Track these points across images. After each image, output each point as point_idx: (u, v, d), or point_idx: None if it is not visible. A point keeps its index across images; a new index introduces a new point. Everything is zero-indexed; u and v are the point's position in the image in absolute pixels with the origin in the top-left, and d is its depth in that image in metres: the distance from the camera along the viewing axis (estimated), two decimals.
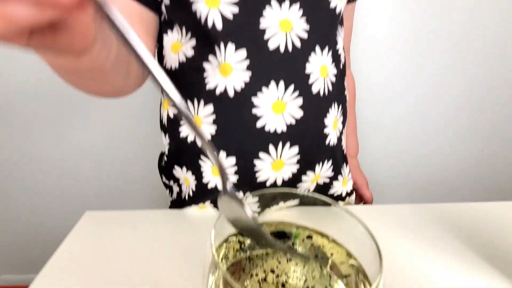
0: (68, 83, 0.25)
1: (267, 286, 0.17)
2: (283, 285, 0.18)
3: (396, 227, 0.33)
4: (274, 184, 0.34)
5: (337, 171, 0.38)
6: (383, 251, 0.25)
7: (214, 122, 0.32)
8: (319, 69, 0.32)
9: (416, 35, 0.68)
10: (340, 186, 0.40)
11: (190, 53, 0.32)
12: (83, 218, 0.36)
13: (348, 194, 0.42)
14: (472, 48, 0.70)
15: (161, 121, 0.37)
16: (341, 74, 0.36)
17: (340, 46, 0.35)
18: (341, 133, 0.38)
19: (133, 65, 0.29)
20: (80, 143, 0.73)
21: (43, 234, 0.84)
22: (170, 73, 0.34)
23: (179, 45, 0.32)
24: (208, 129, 0.32)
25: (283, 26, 0.30)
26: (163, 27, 0.33)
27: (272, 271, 0.18)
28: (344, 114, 0.38)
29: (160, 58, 0.35)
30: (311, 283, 0.18)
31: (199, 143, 0.20)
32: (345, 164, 0.40)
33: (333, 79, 0.34)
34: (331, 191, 0.39)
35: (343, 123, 0.38)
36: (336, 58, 0.34)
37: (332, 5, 0.32)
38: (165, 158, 0.38)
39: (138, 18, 0.31)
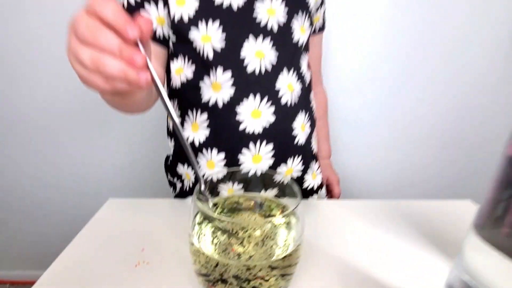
0: (109, 106, 0.35)
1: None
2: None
3: (352, 218, 0.42)
4: (254, 175, 0.43)
5: (306, 166, 0.48)
6: (341, 235, 0.34)
7: (208, 126, 0.42)
8: (286, 86, 0.42)
9: (403, 39, 0.77)
10: (311, 180, 0.49)
11: (190, 75, 0.42)
12: (105, 205, 0.45)
13: (319, 187, 0.51)
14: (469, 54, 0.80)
15: (167, 128, 0.48)
16: (306, 89, 0.46)
17: (304, 69, 0.46)
18: (309, 135, 0.47)
19: (153, 96, 0.40)
20: (103, 147, 0.84)
21: (62, 226, 0.92)
22: (175, 91, 0.45)
23: (181, 70, 0.43)
24: (204, 132, 0.42)
25: (257, 55, 0.41)
26: (170, 57, 0.44)
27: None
28: (311, 120, 0.48)
29: (168, 80, 0.46)
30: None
31: (188, 151, 0.29)
32: (314, 161, 0.50)
33: (299, 93, 0.44)
34: (305, 185, 0.49)
35: (311, 127, 0.48)
36: (300, 78, 0.45)
37: (295, 40, 0.44)
38: (170, 158, 0.48)
39: (155, 54, 0.42)
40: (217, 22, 0.40)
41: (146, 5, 0.40)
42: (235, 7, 0.40)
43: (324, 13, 0.54)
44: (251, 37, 0.40)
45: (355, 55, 0.76)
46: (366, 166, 0.86)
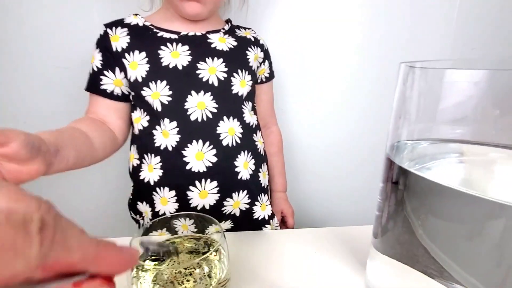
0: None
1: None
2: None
3: (295, 246, 0.43)
4: (203, 208, 0.49)
5: (253, 199, 0.53)
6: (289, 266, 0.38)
7: (161, 167, 0.49)
8: (227, 130, 0.50)
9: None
10: (260, 211, 0.54)
11: (145, 124, 0.50)
12: None
13: (270, 217, 0.56)
14: None
15: (128, 169, 0.54)
16: (248, 131, 0.53)
17: (246, 114, 0.53)
18: (254, 171, 0.53)
19: (108, 147, 0.47)
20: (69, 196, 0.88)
21: None
22: (135, 136, 0.52)
23: (139, 119, 0.51)
24: (157, 172, 0.49)
25: (199, 105, 0.48)
26: (131, 109, 0.52)
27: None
28: (256, 157, 0.54)
29: (131, 127, 0.53)
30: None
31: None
32: (262, 194, 0.55)
33: (240, 135, 0.51)
34: (255, 216, 0.54)
35: (256, 164, 0.54)
36: (242, 122, 0.52)
37: (234, 91, 0.52)
38: (131, 197, 0.54)
39: (114, 109, 0.51)
40: (164, 82, 0.48)
41: (105, 72, 0.50)
42: (180, 67, 0.49)
43: (270, 64, 0.62)
44: (193, 92, 0.48)
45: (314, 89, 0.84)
46: (326, 194, 0.90)
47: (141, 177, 0.50)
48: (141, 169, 0.51)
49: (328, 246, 0.44)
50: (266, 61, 0.60)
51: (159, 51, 0.48)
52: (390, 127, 0.29)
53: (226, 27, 0.56)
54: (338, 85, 0.80)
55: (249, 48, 0.55)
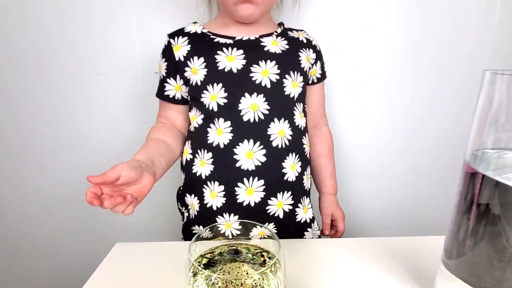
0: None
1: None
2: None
3: (342, 256, 0.42)
4: (248, 205, 0.51)
5: (297, 201, 0.54)
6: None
7: (212, 163, 0.52)
8: (278, 131, 0.51)
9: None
10: (303, 213, 0.55)
11: (200, 122, 0.53)
12: (113, 249, 0.45)
13: (312, 220, 0.57)
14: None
15: (181, 163, 0.58)
16: (298, 134, 0.54)
17: (296, 116, 0.54)
18: (300, 174, 0.55)
19: (180, 145, 0.57)
20: None
21: (71, 271, 0.90)
22: (191, 133, 0.56)
23: (195, 118, 0.55)
24: (209, 167, 0.52)
25: (252, 107, 0.51)
26: (189, 109, 0.56)
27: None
28: (303, 160, 0.55)
29: (189, 124, 0.57)
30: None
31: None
32: (305, 197, 0.56)
33: (289, 137, 0.53)
34: (298, 218, 0.55)
35: (302, 167, 0.55)
36: (292, 124, 0.53)
37: (286, 93, 0.53)
38: (181, 189, 0.58)
39: (179, 112, 0.58)
40: (220, 84, 0.51)
41: (168, 80, 0.56)
42: (235, 70, 0.51)
43: (322, 65, 0.63)
44: (247, 94, 0.51)
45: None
46: (376, 201, 0.88)
47: (194, 171, 0.54)
48: (194, 164, 0.54)
49: (376, 257, 0.42)
50: (318, 61, 0.61)
51: (215, 56, 0.52)
52: (471, 135, 0.27)
53: (279, 30, 0.58)
54: (392, 85, 0.78)
55: (301, 50, 0.57)
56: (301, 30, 0.61)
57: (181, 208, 0.60)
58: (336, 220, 0.63)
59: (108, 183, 0.37)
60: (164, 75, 0.56)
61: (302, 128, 0.56)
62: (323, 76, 0.63)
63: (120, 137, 0.81)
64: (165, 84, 0.56)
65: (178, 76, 0.55)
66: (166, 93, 0.56)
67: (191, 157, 0.55)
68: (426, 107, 0.81)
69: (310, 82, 0.61)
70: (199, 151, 0.54)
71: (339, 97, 0.78)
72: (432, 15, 0.73)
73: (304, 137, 0.57)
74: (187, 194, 0.56)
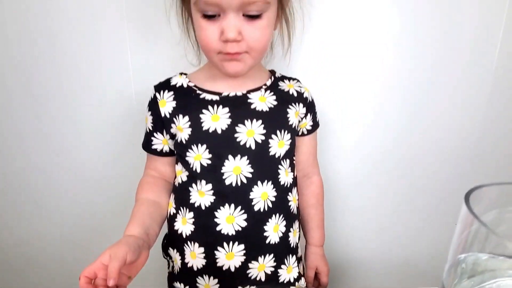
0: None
1: None
2: None
3: None
4: (228, 269, 0.50)
5: (280, 262, 0.53)
6: None
7: (193, 223, 0.51)
8: (260, 195, 0.50)
9: None
10: (286, 274, 0.54)
11: (185, 179, 0.53)
12: None
13: (296, 280, 0.56)
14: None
15: (167, 215, 0.58)
16: (283, 192, 0.53)
17: (282, 175, 0.53)
18: (285, 232, 0.53)
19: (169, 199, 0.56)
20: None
21: None
22: (175, 187, 0.56)
23: (180, 172, 0.54)
24: (190, 227, 0.51)
25: (235, 170, 0.49)
26: (176, 161, 0.56)
27: None
28: (288, 218, 0.54)
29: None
30: None
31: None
32: (290, 255, 0.55)
33: (273, 199, 0.51)
34: (281, 279, 0.54)
35: (287, 225, 0.54)
36: (276, 184, 0.52)
37: (271, 153, 0.52)
38: (165, 241, 0.58)
39: (168, 163, 0.56)
40: (204, 145, 0.50)
41: (155, 134, 0.55)
42: (219, 131, 0.50)
43: (314, 115, 0.60)
44: (230, 156, 0.50)
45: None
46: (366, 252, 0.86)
47: (176, 227, 0.53)
48: (176, 220, 0.54)
49: None
50: (309, 114, 0.59)
51: (200, 115, 0.50)
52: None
53: (269, 82, 0.56)
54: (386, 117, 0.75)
55: (290, 106, 0.55)
56: (293, 80, 0.59)
57: (165, 257, 0.60)
58: (320, 274, 0.62)
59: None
60: (151, 128, 0.55)
61: (288, 185, 0.55)
62: (314, 127, 0.61)
63: (114, 168, 0.81)
64: (152, 138, 0.55)
65: (164, 131, 0.54)
66: (153, 147, 0.56)
67: (175, 211, 0.54)
68: (423, 147, 0.78)
69: (299, 133, 0.60)
70: (181, 208, 0.53)
71: (333, 136, 0.76)
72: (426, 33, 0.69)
73: (290, 193, 0.55)
74: (170, 248, 0.56)
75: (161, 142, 0.55)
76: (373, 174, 0.80)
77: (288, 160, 0.55)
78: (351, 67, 0.71)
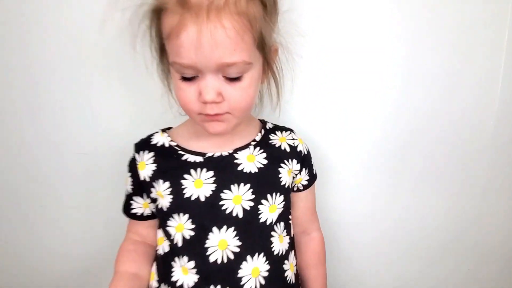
0: None
1: None
2: None
3: None
4: None
5: None
6: None
7: None
8: (251, 272, 0.44)
9: None
10: None
11: (166, 250, 0.47)
12: None
13: None
14: None
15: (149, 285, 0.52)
16: (278, 262, 0.47)
17: (275, 242, 0.47)
18: None
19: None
20: None
21: None
22: (157, 256, 0.50)
23: (162, 241, 0.48)
24: None
25: (220, 245, 0.44)
26: (158, 226, 0.50)
27: None
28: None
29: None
30: None
31: None
32: None
33: (265, 274, 0.45)
34: None
35: None
36: (269, 255, 0.46)
37: (262, 221, 0.46)
38: None
39: (151, 226, 0.51)
40: (187, 215, 0.45)
41: (134, 197, 0.50)
42: (202, 198, 0.45)
43: (310, 169, 0.54)
44: (215, 228, 0.44)
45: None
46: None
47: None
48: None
49: None
50: (304, 169, 0.53)
51: (182, 181, 0.45)
52: None
53: (258, 137, 0.51)
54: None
55: (282, 165, 0.49)
56: (286, 131, 0.54)
57: None
58: None
59: None
60: (130, 191, 0.50)
61: (284, 252, 0.48)
62: (311, 181, 0.55)
63: (102, 219, 0.76)
64: (131, 201, 0.50)
65: (144, 195, 0.49)
66: (133, 211, 0.51)
67: (157, 285, 0.48)
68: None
69: (295, 190, 0.54)
70: (163, 284, 0.47)
71: (332, 173, 0.70)
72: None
73: (286, 261, 0.49)
74: None
75: (141, 205, 0.50)
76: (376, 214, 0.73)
77: (282, 223, 0.49)
78: (345, 113, 0.66)
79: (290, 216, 0.53)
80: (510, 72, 0.65)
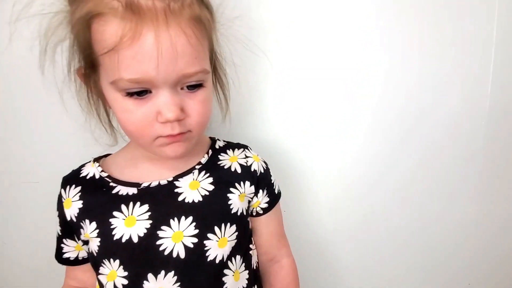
0: None
1: None
2: None
3: None
4: None
5: None
6: None
7: None
8: None
9: None
10: None
11: None
12: None
13: None
14: None
15: None
16: None
17: (229, 283, 0.40)
18: None
19: None
20: None
21: None
22: None
23: None
24: None
25: None
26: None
27: None
28: None
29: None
30: None
31: None
32: None
33: None
34: None
35: None
36: None
37: (210, 259, 0.39)
38: None
39: (89, 270, 0.43)
40: (117, 260, 0.38)
41: (64, 240, 0.43)
42: (135, 239, 0.38)
43: (269, 189, 0.47)
44: (151, 274, 0.37)
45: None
46: None
47: None
48: None
49: None
50: (261, 190, 0.46)
51: (111, 220, 0.39)
52: None
53: (204, 159, 0.44)
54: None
55: (231, 189, 0.42)
56: (239, 148, 0.47)
57: None
58: None
59: None
60: (60, 233, 0.43)
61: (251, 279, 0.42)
62: (272, 203, 0.47)
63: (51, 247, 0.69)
64: (62, 245, 0.44)
65: (75, 236, 0.43)
66: (65, 255, 0.44)
67: None
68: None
69: (254, 214, 0.47)
70: None
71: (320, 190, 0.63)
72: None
73: None
74: None
75: (73, 249, 0.44)
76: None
77: (238, 257, 0.42)
78: (330, 118, 0.59)
79: (251, 246, 0.46)
80: (499, 71, 0.59)
